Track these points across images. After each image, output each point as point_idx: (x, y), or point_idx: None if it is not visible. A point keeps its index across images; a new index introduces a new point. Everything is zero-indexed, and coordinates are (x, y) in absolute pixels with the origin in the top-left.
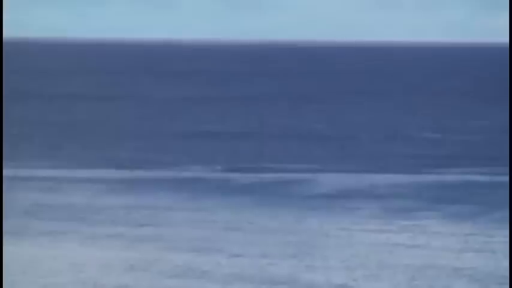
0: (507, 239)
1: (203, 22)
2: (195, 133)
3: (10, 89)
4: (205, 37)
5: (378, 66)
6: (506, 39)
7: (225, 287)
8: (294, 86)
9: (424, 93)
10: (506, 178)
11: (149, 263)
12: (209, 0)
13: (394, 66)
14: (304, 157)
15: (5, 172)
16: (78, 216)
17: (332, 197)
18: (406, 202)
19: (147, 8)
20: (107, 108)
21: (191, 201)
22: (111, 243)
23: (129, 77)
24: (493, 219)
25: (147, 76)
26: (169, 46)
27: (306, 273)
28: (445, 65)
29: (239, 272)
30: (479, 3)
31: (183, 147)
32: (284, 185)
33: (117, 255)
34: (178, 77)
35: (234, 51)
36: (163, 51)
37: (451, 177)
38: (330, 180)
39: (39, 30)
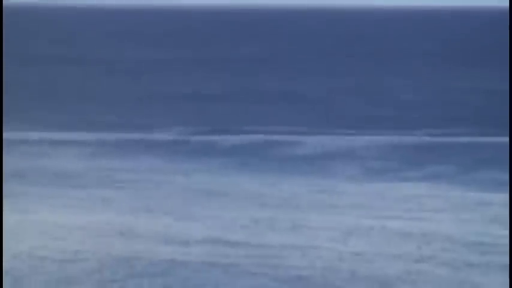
0: (480, 198)
1: None
2: (176, 96)
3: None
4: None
5: (357, 30)
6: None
7: (186, 249)
8: (276, 49)
9: (403, 56)
10: (483, 139)
11: (124, 226)
12: None
13: (373, 30)
14: (287, 120)
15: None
16: (63, 179)
17: (314, 158)
18: (386, 163)
19: None
20: (85, 71)
21: (171, 164)
22: (83, 204)
23: (115, 41)
24: (468, 179)
25: (129, 40)
26: (158, 11)
27: (273, 235)
28: (424, 28)
29: (206, 235)
30: None
31: (163, 110)
32: (266, 147)
33: (94, 218)
34: (158, 40)
35: (219, 16)
36: (149, 16)
37: (428, 138)
38: (312, 142)
39: None
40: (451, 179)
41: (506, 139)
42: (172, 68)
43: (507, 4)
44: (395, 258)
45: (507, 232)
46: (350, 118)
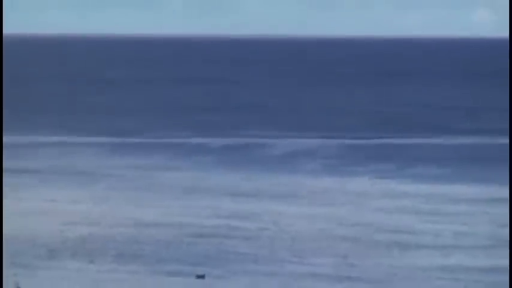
0: (415, 190)
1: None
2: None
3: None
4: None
5: (329, 57)
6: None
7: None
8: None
9: (362, 80)
10: (420, 140)
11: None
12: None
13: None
14: (262, 126)
15: (20, 139)
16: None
17: (283, 157)
18: (341, 160)
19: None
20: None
21: (170, 161)
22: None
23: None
24: (406, 174)
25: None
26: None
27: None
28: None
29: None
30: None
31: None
32: (244, 148)
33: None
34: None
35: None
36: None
37: (379, 141)
38: (283, 145)
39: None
40: (390, 173)
41: (435, 140)
42: (163, 85)
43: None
44: (316, 230)
45: (407, 218)
46: (311, 125)
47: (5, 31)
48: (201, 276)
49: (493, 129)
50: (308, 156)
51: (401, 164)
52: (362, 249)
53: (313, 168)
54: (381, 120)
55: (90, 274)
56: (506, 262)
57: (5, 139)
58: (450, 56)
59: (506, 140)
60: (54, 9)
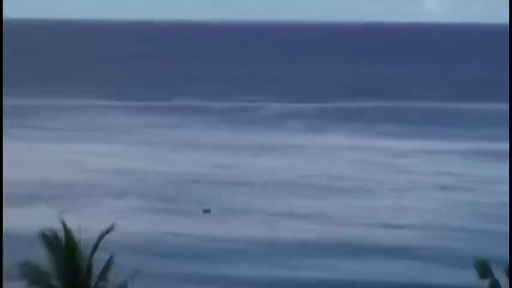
0: (377, 144)
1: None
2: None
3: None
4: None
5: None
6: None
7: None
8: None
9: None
10: (383, 104)
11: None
12: None
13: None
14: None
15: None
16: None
17: (273, 117)
18: (320, 121)
19: None
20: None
21: (180, 120)
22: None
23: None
24: (371, 131)
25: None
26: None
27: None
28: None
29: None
30: None
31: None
32: (242, 110)
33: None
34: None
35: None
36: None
37: (350, 104)
38: (273, 107)
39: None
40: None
41: (395, 104)
42: (173, 61)
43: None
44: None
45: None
46: (296, 92)
47: (35, 16)
48: (207, 211)
49: (443, 97)
50: (293, 117)
51: (367, 123)
52: (320, 193)
53: (295, 126)
54: (352, 89)
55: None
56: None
57: (43, 102)
58: (401, 38)
59: (454, 104)
60: None
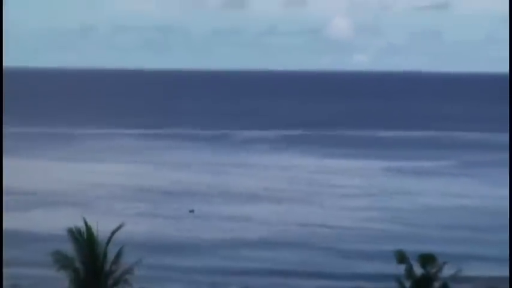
0: (317, 162)
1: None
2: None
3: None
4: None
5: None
6: None
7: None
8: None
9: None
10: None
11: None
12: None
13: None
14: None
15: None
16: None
17: (242, 142)
18: (278, 144)
19: None
20: None
21: (172, 143)
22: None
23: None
24: (317, 153)
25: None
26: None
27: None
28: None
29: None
30: None
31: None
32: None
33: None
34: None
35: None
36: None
37: (301, 132)
38: (242, 135)
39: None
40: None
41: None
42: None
43: None
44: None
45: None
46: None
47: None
48: (192, 211)
49: (372, 126)
50: (259, 141)
51: (313, 146)
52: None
53: (261, 148)
54: (303, 120)
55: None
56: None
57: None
58: (339, 82)
59: (378, 132)
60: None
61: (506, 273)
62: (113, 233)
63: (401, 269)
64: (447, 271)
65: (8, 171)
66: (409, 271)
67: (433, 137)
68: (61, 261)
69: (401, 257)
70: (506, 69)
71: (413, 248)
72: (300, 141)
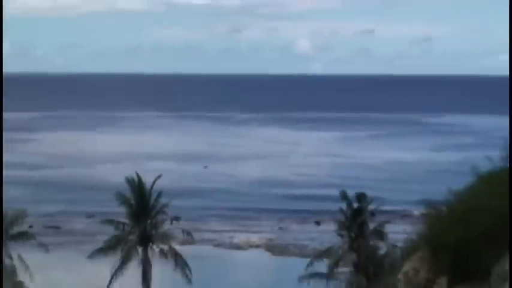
0: (301, 135)
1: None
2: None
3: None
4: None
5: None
6: None
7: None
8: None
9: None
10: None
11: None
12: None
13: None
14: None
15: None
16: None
17: (240, 121)
18: (263, 122)
19: None
20: None
21: (190, 122)
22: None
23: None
24: (292, 128)
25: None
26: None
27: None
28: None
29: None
30: None
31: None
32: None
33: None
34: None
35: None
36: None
37: (282, 114)
38: (239, 116)
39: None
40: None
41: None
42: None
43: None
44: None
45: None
46: (254, 108)
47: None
48: (206, 167)
49: (331, 109)
50: (251, 120)
51: (288, 124)
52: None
53: (253, 124)
54: (281, 106)
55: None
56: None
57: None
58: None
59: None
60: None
61: (410, 208)
62: (154, 181)
63: (343, 204)
64: (373, 206)
65: (83, 141)
66: (349, 204)
67: (364, 116)
68: (121, 199)
69: (343, 195)
70: (411, 73)
71: (352, 189)
72: (278, 120)
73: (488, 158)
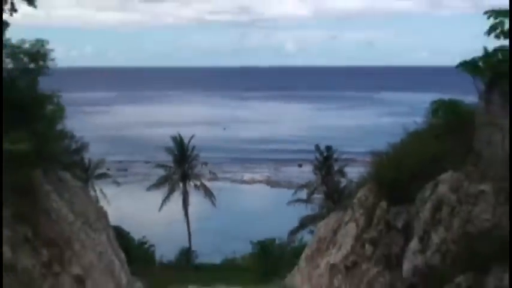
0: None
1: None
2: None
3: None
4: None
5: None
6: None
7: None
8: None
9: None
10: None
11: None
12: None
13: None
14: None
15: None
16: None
17: (245, 98)
18: (265, 98)
19: None
20: None
21: (217, 99)
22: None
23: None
24: (283, 101)
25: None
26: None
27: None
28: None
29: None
30: None
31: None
32: (234, 96)
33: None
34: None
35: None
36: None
37: (273, 93)
38: (245, 94)
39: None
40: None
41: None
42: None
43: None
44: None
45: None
46: (256, 89)
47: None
48: (224, 128)
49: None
50: (254, 98)
51: (281, 99)
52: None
53: (257, 100)
54: (277, 87)
55: None
56: None
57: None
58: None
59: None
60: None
61: (362, 156)
62: (190, 139)
63: (317, 153)
64: (336, 154)
65: (142, 112)
66: (321, 153)
67: (333, 94)
68: (168, 151)
69: (317, 147)
70: (364, 64)
71: (323, 143)
72: (272, 97)
73: (415, 121)
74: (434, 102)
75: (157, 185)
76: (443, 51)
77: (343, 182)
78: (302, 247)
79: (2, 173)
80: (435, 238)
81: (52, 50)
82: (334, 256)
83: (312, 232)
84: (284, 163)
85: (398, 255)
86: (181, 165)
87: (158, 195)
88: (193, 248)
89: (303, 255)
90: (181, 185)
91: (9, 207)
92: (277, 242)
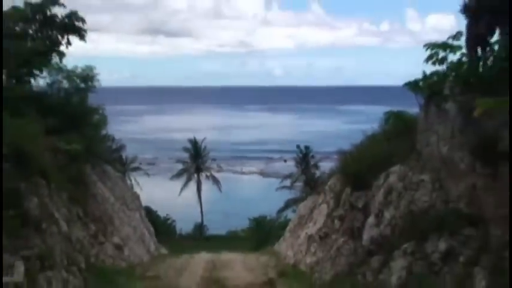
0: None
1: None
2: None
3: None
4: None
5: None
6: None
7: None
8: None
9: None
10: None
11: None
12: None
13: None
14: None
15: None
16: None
17: (244, 109)
18: (260, 110)
19: None
20: None
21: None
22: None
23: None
24: (273, 113)
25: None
26: None
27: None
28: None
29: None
30: None
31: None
32: (236, 105)
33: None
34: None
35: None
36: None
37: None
38: (245, 107)
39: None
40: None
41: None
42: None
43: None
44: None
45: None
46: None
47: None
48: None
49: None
50: (252, 109)
51: (272, 111)
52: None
53: (255, 111)
54: (270, 101)
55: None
56: None
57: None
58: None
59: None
60: None
61: (332, 154)
62: (202, 141)
63: (298, 151)
64: (312, 152)
65: (166, 120)
66: (301, 151)
67: (309, 107)
68: (186, 150)
69: (298, 147)
70: (334, 84)
71: (302, 144)
72: (265, 109)
73: (372, 127)
74: (386, 113)
75: (178, 175)
76: (393, 74)
77: (318, 173)
78: (287, 222)
79: (2, 173)
80: (387, 215)
81: (98, 74)
82: (311, 229)
83: (294, 211)
84: (273, 159)
85: (360, 228)
86: (196, 160)
87: (178, 183)
88: (204, 223)
89: (288, 228)
90: (195, 175)
91: (66, 193)
92: (268, 218)
